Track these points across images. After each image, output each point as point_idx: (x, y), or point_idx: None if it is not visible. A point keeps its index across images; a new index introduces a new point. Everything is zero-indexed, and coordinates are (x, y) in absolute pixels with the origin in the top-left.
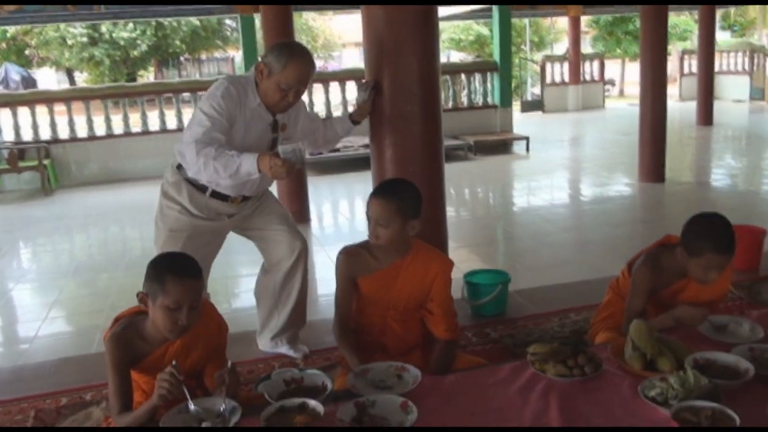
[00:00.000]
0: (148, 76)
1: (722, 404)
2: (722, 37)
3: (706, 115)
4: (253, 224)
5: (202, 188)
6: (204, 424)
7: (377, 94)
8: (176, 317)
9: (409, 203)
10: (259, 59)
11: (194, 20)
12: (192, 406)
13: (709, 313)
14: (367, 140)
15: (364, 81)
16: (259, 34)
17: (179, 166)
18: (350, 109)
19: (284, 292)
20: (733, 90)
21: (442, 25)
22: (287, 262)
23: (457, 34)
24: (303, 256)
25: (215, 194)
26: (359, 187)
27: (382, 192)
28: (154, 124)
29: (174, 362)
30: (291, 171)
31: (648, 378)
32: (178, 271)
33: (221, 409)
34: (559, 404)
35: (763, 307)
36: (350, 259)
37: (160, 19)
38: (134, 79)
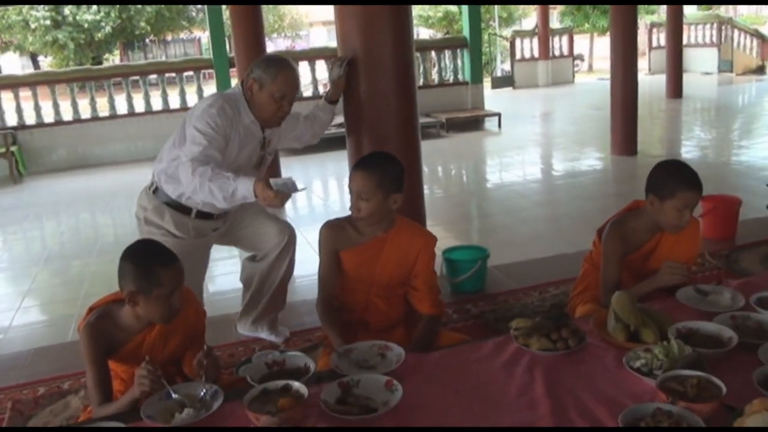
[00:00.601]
0: (113, 59)
1: (707, 373)
2: (690, 9)
3: (675, 88)
4: (239, 224)
5: (186, 210)
6: (186, 410)
7: (350, 69)
8: (170, 303)
9: (391, 176)
10: (241, 80)
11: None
12: (173, 395)
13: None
14: (341, 119)
15: (336, 58)
16: (226, 14)
17: (155, 191)
18: (321, 89)
19: (269, 279)
20: (701, 63)
21: None
22: (276, 250)
23: (425, 11)
24: (291, 243)
25: (200, 214)
26: (333, 167)
27: (364, 165)
28: (121, 108)
29: (147, 357)
30: (285, 201)
31: (632, 349)
32: (165, 260)
33: (202, 393)
34: (544, 378)
35: (741, 276)
36: (333, 232)
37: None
38: (100, 63)
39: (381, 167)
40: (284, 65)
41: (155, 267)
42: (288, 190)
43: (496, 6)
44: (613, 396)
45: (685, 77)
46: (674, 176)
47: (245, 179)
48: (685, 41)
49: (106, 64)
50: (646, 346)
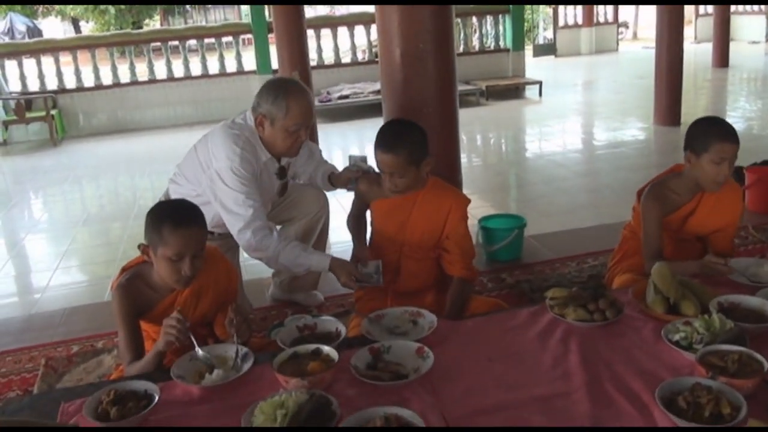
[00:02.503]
0: (153, 25)
1: (749, 348)
2: None
3: (721, 57)
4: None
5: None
6: (216, 371)
7: (385, 34)
8: (179, 267)
9: (418, 147)
10: (251, 113)
11: None
12: (200, 353)
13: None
14: (377, 86)
15: (360, 157)
16: None
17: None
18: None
19: (306, 238)
20: (749, 31)
21: None
22: (312, 213)
23: None
24: (326, 208)
25: (221, 235)
26: (370, 134)
27: (388, 145)
28: (160, 73)
29: (178, 308)
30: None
31: (671, 322)
32: (176, 221)
33: (233, 355)
34: (579, 349)
35: None
36: (366, 185)
37: None
38: (140, 28)
39: (405, 142)
40: (292, 93)
41: (162, 224)
42: (373, 281)
43: None
44: (650, 369)
45: (732, 46)
46: (708, 130)
47: (320, 256)
48: (732, 8)
49: (146, 29)
50: (686, 319)
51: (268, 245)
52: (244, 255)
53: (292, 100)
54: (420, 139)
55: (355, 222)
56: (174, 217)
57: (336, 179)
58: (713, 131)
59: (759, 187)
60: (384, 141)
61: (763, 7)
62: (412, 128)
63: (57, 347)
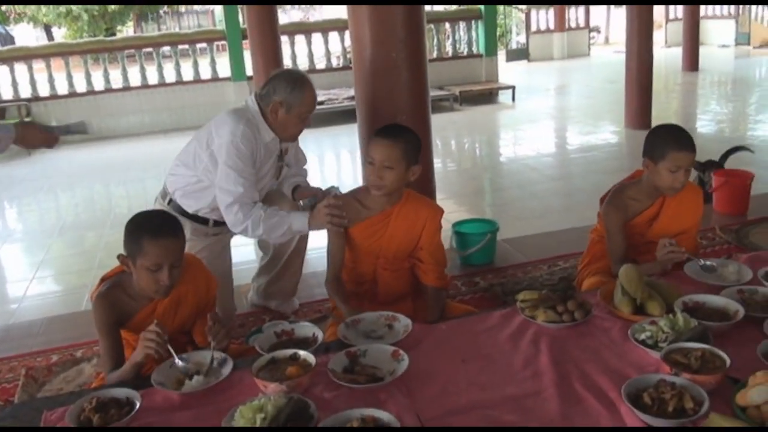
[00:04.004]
0: (127, 31)
1: (712, 345)
2: None
3: (691, 61)
4: None
5: (203, 220)
6: (195, 377)
7: (358, 43)
8: (157, 277)
9: (413, 147)
10: (255, 96)
11: None
12: (179, 362)
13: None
14: (351, 92)
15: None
16: None
17: (170, 202)
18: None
19: (285, 246)
20: (718, 35)
21: None
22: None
23: None
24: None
25: (216, 223)
26: (345, 140)
27: (387, 133)
28: (134, 80)
29: (156, 321)
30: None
31: (638, 322)
32: (154, 232)
33: (211, 361)
34: (549, 350)
35: (751, 251)
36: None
37: None
38: (113, 34)
39: (404, 137)
40: (307, 84)
41: (141, 235)
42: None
43: None
44: (617, 367)
45: (702, 50)
46: (665, 138)
47: (298, 214)
48: (702, 13)
49: (119, 36)
50: (652, 319)
51: (251, 215)
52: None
53: (306, 89)
54: (416, 142)
55: (335, 285)
56: (152, 227)
57: (299, 192)
58: (670, 140)
59: (726, 189)
60: (384, 130)
61: (732, 11)
62: (411, 131)
63: (37, 357)
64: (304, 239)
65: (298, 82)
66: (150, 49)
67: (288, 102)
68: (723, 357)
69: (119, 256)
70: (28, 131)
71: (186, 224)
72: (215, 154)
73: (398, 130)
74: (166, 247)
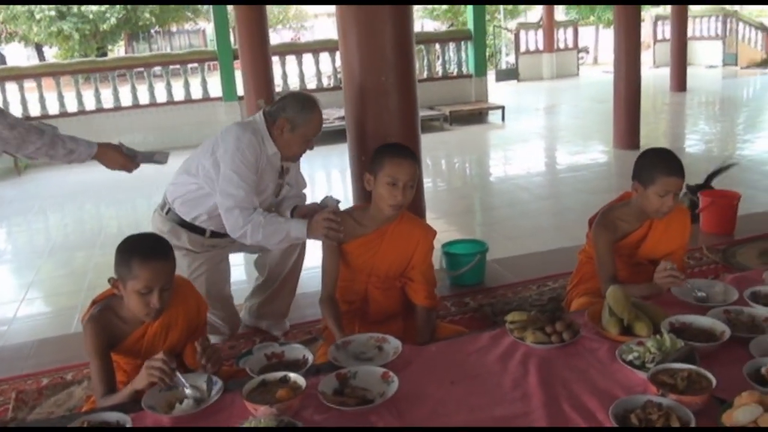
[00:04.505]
0: (118, 50)
1: (698, 366)
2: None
3: (679, 81)
4: None
5: (200, 230)
6: (186, 401)
7: (348, 65)
8: (148, 300)
9: (419, 166)
10: (264, 113)
11: None
12: (187, 389)
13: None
14: (342, 112)
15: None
16: (231, 6)
17: (168, 211)
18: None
19: (281, 266)
20: (706, 56)
21: None
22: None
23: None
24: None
25: (214, 234)
26: (336, 160)
27: (406, 153)
28: (126, 100)
29: (163, 351)
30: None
31: (625, 342)
32: (145, 255)
33: (203, 385)
34: (538, 371)
35: (738, 271)
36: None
37: None
38: (105, 54)
39: (415, 156)
40: (316, 107)
41: (131, 258)
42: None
43: None
44: (605, 388)
45: (690, 70)
46: (656, 163)
47: (296, 221)
48: (689, 34)
49: (110, 56)
50: (639, 340)
51: (251, 219)
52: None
53: (315, 112)
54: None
55: (329, 306)
56: (142, 251)
57: (298, 211)
58: (660, 165)
59: (713, 209)
60: (401, 150)
61: (719, 32)
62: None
63: (27, 380)
64: (300, 259)
65: (308, 103)
66: (141, 69)
67: (295, 121)
68: (709, 377)
69: (110, 279)
70: (110, 151)
71: (183, 235)
72: (219, 160)
73: (409, 149)
74: (156, 270)
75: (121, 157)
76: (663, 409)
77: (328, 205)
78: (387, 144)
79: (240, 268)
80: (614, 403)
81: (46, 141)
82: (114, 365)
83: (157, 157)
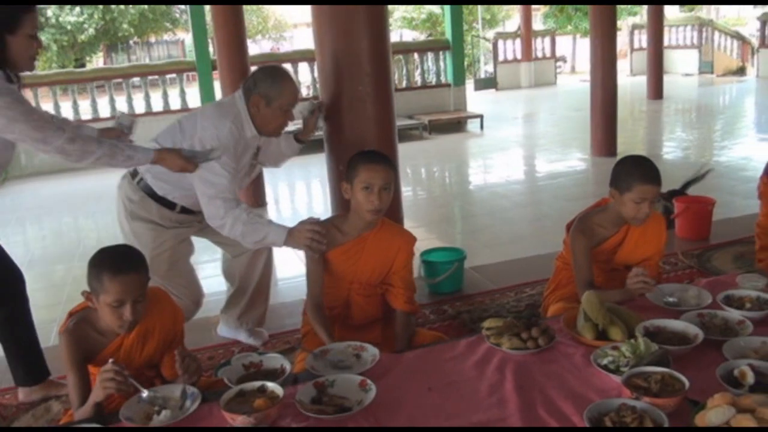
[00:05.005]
0: (97, 62)
1: (672, 369)
2: (671, 11)
3: (656, 89)
4: None
5: (170, 205)
6: (163, 412)
7: (321, 111)
8: (121, 313)
9: (395, 171)
10: (240, 94)
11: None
12: (145, 395)
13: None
14: (321, 123)
15: (312, 98)
16: (209, 16)
17: (140, 181)
18: (304, 91)
19: (250, 276)
20: (682, 64)
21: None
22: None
23: (409, 13)
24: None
25: (184, 209)
26: (315, 170)
27: (380, 157)
28: (104, 111)
29: (112, 359)
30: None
31: (600, 347)
32: (115, 269)
33: (179, 395)
34: (514, 376)
35: (713, 275)
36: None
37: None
38: (83, 65)
39: (389, 158)
40: (287, 77)
41: (101, 272)
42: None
43: (479, 7)
44: (580, 392)
45: (666, 78)
46: (632, 171)
47: (277, 227)
48: (666, 43)
49: (89, 67)
50: (614, 344)
51: (233, 212)
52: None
53: (286, 82)
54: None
55: (316, 314)
56: (113, 264)
57: (304, 134)
58: (637, 173)
59: (688, 215)
60: (374, 155)
61: (695, 41)
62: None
63: (5, 394)
64: (268, 265)
65: (278, 73)
66: (120, 80)
67: (269, 95)
68: (682, 380)
69: (83, 293)
70: (168, 155)
71: (152, 207)
72: (198, 144)
73: (382, 154)
74: (127, 284)
75: (181, 160)
76: (637, 412)
77: (311, 107)
78: (361, 151)
79: (218, 279)
80: (588, 407)
81: (105, 151)
82: (91, 378)
83: (212, 154)
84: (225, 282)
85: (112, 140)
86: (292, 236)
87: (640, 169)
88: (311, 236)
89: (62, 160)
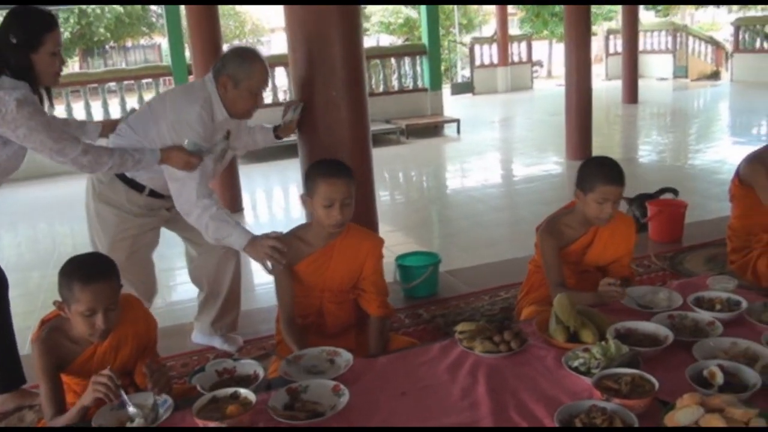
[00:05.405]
0: (72, 66)
1: (641, 370)
2: (646, 16)
3: (631, 94)
4: None
5: (139, 187)
6: (137, 420)
7: (303, 111)
8: (93, 322)
9: (354, 179)
10: (210, 76)
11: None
12: (129, 407)
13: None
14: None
15: (291, 102)
16: (185, 21)
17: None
18: (281, 96)
19: (220, 282)
20: (657, 68)
21: (371, 8)
22: (219, 250)
23: (386, 18)
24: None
25: (152, 192)
26: (292, 174)
27: (339, 171)
28: (79, 115)
29: (110, 367)
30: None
31: (572, 350)
32: (85, 278)
33: (152, 403)
34: (486, 379)
35: (685, 277)
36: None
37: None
38: None
39: (348, 170)
40: (257, 58)
41: (72, 281)
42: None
43: (456, 12)
44: (552, 395)
45: (641, 83)
46: (596, 171)
47: (242, 231)
48: (641, 48)
49: (64, 72)
50: (585, 346)
51: (204, 202)
52: (164, 300)
53: (256, 64)
54: (352, 171)
55: (290, 331)
56: (83, 273)
57: (283, 131)
58: (599, 174)
59: (660, 218)
60: (332, 168)
61: (670, 46)
62: (343, 162)
63: None
64: (237, 270)
65: (247, 55)
66: (95, 85)
67: (236, 76)
68: (652, 381)
69: (55, 302)
70: (173, 152)
71: (121, 190)
72: (168, 128)
73: (341, 165)
74: (98, 292)
75: (185, 155)
76: (607, 413)
77: (296, 110)
78: (319, 163)
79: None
80: (559, 409)
81: (116, 160)
82: (64, 387)
83: (215, 147)
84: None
85: (121, 148)
86: (254, 246)
87: (602, 170)
88: (270, 252)
89: (76, 170)
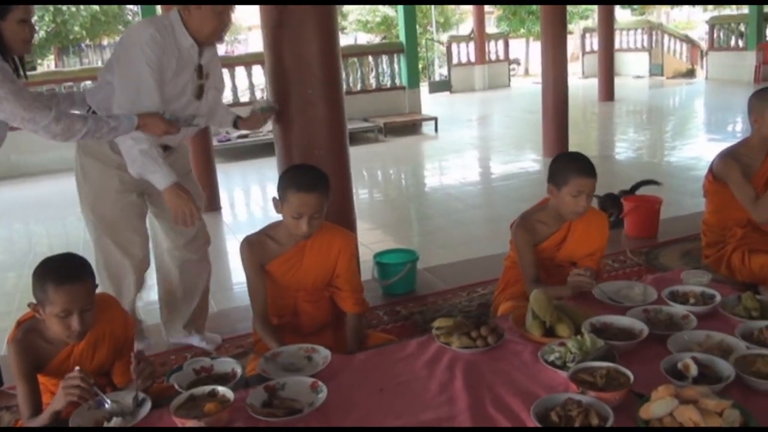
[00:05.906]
0: (48, 65)
1: (617, 363)
2: (622, 15)
3: (607, 91)
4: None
5: None
6: (114, 419)
7: (271, 112)
8: (68, 323)
9: (328, 186)
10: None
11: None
12: (107, 404)
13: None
14: (271, 125)
15: (265, 100)
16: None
17: (93, 113)
18: (258, 94)
19: (197, 282)
20: (633, 66)
21: (348, 6)
22: (195, 242)
23: (363, 16)
24: (208, 244)
25: None
26: (269, 173)
27: (310, 185)
28: None
29: (78, 368)
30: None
31: (548, 344)
32: (59, 279)
33: (130, 402)
34: (463, 374)
35: (660, 272)
36: (254, 248)
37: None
38: (34, 68)
39: (321, 182)
40: None
41: (46, 283)
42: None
43: (433, 11)
44: (528, 389)
45: (617, 81)
46: (568, 165)
47: (169, 173)
48: (617, 46)
49: (39, 70)
50: (561, 341)
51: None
52: (143, 299)
53: None
54: (327, 179)
55: (263, 325)
56: (57, 275)
57: (245, 123)
58: (572, 167)
59: (636, 214)
60: (305, 182)
61: (645, 44)
62: (320, 170)
63: None
64: (210, 274)
65: None
66: (71, 83)
67: None
68: (627, 374)
69: (30, 304)
70: (151, 119)
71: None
72: (121, 54)
73: (314, 177)
74: (72, 293)
75: (163, 123)
76: (582, 405)
77: (268, 104)
78: (294, 171)
79: None
80: (535, 402)
81: (90, 126)
82: (41, 387)
83: (196, 120)
84: (156, 284)
85: (96, 115)
86: (175, 191)
87: (575, 164)
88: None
89: (51, 140)
